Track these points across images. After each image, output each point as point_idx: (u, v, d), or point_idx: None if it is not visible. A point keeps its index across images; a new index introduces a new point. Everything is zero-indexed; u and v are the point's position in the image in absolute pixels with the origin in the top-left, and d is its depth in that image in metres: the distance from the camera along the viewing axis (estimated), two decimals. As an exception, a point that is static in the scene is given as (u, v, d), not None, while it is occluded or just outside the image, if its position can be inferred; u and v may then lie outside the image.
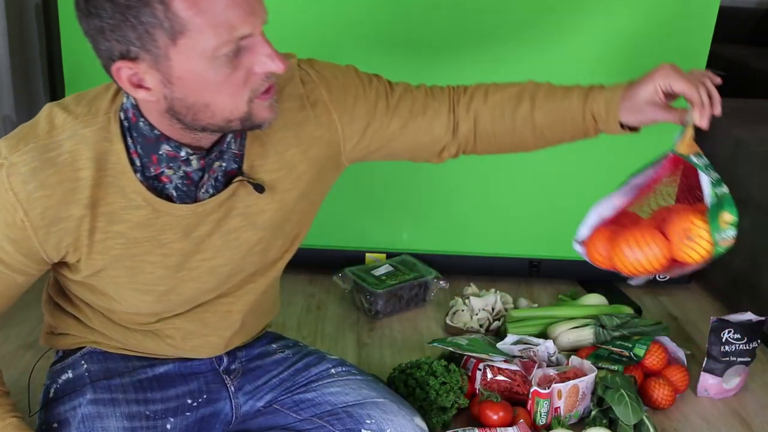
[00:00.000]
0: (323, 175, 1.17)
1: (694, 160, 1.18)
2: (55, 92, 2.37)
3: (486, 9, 1.95)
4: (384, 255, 2.19)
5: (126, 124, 1.00)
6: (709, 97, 1.11)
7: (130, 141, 1.00)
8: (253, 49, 0.91)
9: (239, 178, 1.06)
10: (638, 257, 0.95)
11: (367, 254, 2.19)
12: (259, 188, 1.07)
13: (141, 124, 0.99)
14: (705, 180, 1.17)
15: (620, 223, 1.16)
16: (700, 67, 2.04)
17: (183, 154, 1.00)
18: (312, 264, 2.23)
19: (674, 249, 1.02)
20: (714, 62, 2.37)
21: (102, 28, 0.87)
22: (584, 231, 1.15)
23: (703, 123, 1.12)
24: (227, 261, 1.12)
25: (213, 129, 0.97)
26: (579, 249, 1.17)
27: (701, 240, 1.04)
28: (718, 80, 1.11)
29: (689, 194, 1.15)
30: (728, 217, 1.11)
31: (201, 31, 0.86)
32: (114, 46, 0.88)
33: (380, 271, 2.09)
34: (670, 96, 1.14)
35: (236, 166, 1.07)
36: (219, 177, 1.06)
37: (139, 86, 0.92)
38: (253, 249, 1.13)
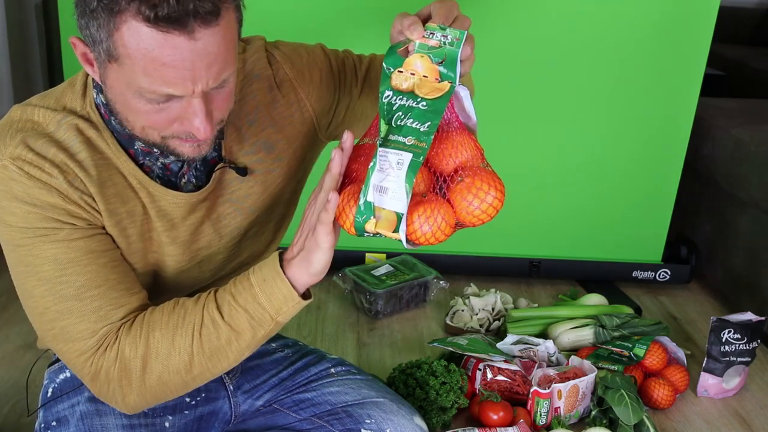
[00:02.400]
0: (303, 153, 1.17)
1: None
2: (55, 92, 2.37)
3: None
4: (384, 255, 2.20)
5: (104, 119, 1.00)
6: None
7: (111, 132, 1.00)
8: (186, 105, 0.89)
9: (221, 165, 1.06)
10: (425, 230, 0.90)
11: (367, 254, 2.19)
12: (242, 171, 1.08)
13: (113, 121, 0.99)
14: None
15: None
16: (700, 67, 2.04)
17: (156, 150, 1.00)
18: (312, 264, 2.23)
19: (459, 215, 0.94)
20: (714, 62, 2.38)
21: (77, 5, 0.88)
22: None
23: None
24: (221, 249, 1.13)
25: (140, 141, 0.96)
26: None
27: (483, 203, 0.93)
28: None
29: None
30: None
31: (131, 70, 0.85)
32: (79, 25, 0.89)
33: (380, 271, 2.09)
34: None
35: (216, 153, 1.07)
36: (198, 166, 1.05)
37: (90, 64, 0.92)
38: (245, 234, 1.14)
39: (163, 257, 1.08)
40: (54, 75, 2.39)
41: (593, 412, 1.60)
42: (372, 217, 0.90)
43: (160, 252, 1.07)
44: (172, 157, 1.02)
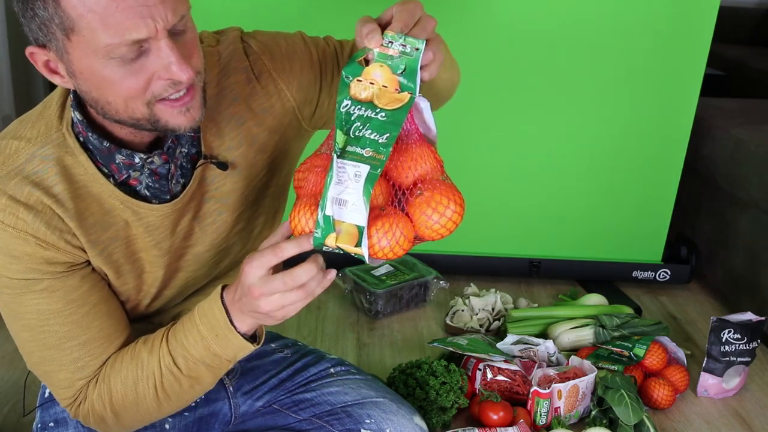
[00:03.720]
0: (287, 144, 1.15)
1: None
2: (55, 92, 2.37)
3: None
4: (384, 255, 2.19)
5: (81, 138, 0.98)
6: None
7: (90, 154, 0.98)
8: (157, 53, 0.86)
9: (201, 162, 1.04)
10: (383, 244, 0.88)
11: (367, 254, 2.19)
12: (223, 166, 1.05)
13: (90, 137, 0.96)
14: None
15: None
16: (700, 67, 2.04)
17: (137, 160, 0.98)
18: (312, 264, 2.23)
19: (418, 229, 0.92)
20: (714, 62, 2.38)
21: (19, 14, 0.88)
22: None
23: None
24: (210, 246, 1.11)
25: (128, 125, 0.93)
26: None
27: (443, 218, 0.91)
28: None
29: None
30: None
31: (91, 30, 0.83)
32: (28, 32, 0.88)
33: (380, 271, 2.09)
34: None
35: (195, 150, 1.05)
36: (184, 164, 1.04)
37: (55, 72, 0.91)
38: (232, 230, 1.12)
39: (153, 268, 1.07)
40: (54, 75, 2.39)
41: (593, 412, 1.60)
42: (332, 232, 0.87)
43: (151, 266, 1.06)
44: (155, 161, 0.99)
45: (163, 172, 1.01)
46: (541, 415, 1.56)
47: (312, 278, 0.91)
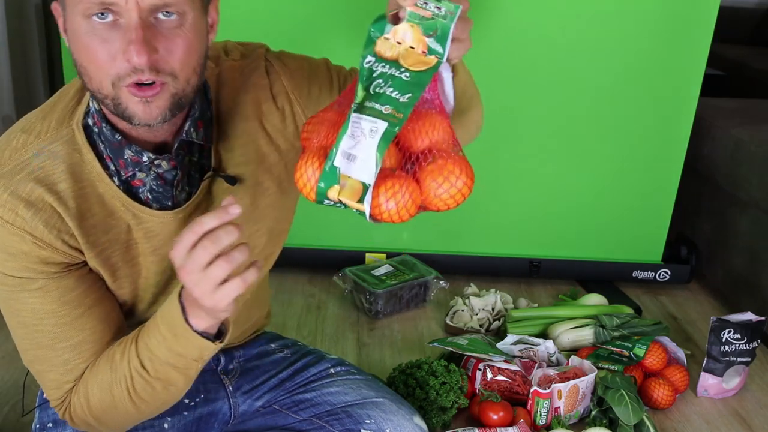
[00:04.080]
0: (292, 166, 1.12)
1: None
2: (55, 92, 2.37)
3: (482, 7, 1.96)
4: (384, 255, 2.19)
5: (96, 129, 0.98)
6: None
7: (101, 146, 0.98)
8: (124, 29, 0.85)
9: (209, 173, 1.04)
10: (390, 206, 0.85)
11: (367, 254, 2.19)
12: (231, 180, 1.05)
13: (104, 129, 0.97)
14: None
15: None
16: (700, 67, 2.04)
17: (145, 159, 0.97)
18: (312, 264, 2.23)
19: (426, 197, 0.90)
20: (714, 62, 2.38)
21: None
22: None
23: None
24: None
25: (106, 106, 0.91)
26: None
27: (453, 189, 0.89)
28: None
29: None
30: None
31: None
32: None
33: (380, 271, 2.09)
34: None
35: (205, 161, 1.04)
36: (192, 173, 1.03)
37: (65, 32, 0.91)
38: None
39: (149, 274, 1.06)
40: (54, 75, 2.39)
41: (593, 412, 1.60)
42: (336, 185, 0.85)
43: (147, 272, 1.06)
44: (163, 165, 0.98)
45: (169, 177, 1.00)
46: (541, 415, 1.56)
47: (220, 227, 0.84)
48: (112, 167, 0.98)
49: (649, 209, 2.20)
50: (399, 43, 0.88)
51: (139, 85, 0.88)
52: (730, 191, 2.17)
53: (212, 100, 1.04)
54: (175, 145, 0.99)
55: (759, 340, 1.75)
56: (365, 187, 0.85)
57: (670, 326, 1.98)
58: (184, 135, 0.99)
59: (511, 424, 1.52)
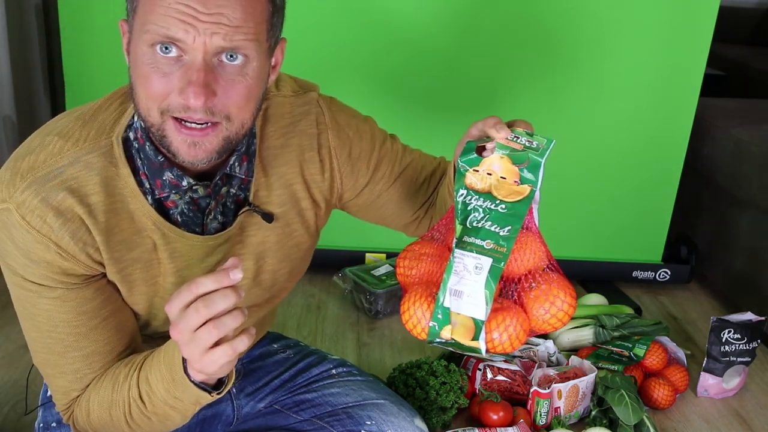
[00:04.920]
0: (321, 216, 1.15)
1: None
2: (55, 92, 2.37)
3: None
4: (384, 255, 2.19)
5: (136, 144, 0.96)
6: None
7: (138, 162, 0.96)
8: (186, 69, 0.84)
9: (246, 208, 1.02)
10: (503, 339, 0.87)
11: (367, 254, 2.19)
12: (268, 218, 1.04)
13: (147, 147, 0.95)
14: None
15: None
16: (700, 67, 2.04)
17: (185, 183, 0.95)
18: (312, 264, 2.22)
19: (534, 323, 0.92)
20: (714, 62, 2.38)
21: None
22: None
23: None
24: None
25: (151, 132, 0.91)
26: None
27: (559, 312, 0.91)
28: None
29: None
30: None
31: (143, 11, 0.84)
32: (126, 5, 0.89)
33: (380, 271, 2.09)
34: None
35: (242, 194, 1.03)
36: (228, 203, 1.02)
37: (128, 51, 0.90)
38: (253, 280, 1.10)
39: (166, 294, 1.04)
40: (54, 75, 2.39)
41: (593, 412, 1.60)
42: (448, 325, 0.86)
43: (165, 293, 1.04)
44: (200, 192, 0.97)
45: (202, 204, 0.99)
46: (541, 415, 1.56)
47: (218, 291, 0.80)
48: (147, 185, 0.96)
49: (649, 209, 2.20)
50: (489, 174, 0.89)
51: (186, 122, 0.87)
52: (730, 191, 2.17)
53: (257, 134, 1.03)
54: (217, 177, 0.97)
55: (759, 340, 1.75)
56: (477, 324, 0.85)
57: (670, 326, 1.98)
58: (227, 169, 0.98)
59: (511, 424, 1.52)
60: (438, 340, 0.87)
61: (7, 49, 2.11)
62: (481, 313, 0.85)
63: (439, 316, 0.86)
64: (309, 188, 1.10)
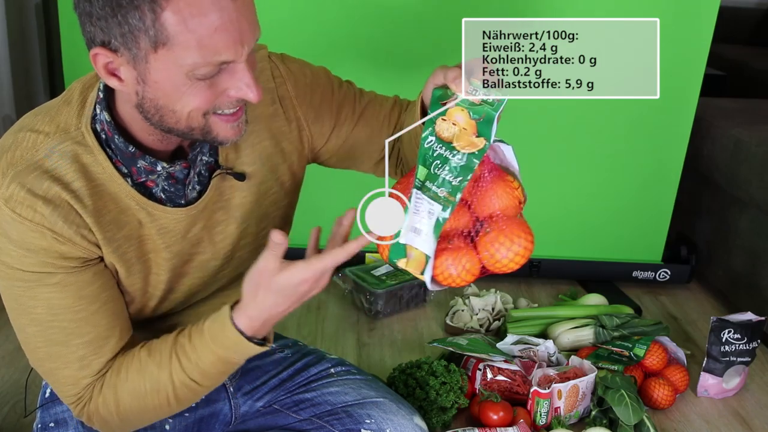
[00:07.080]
0: (295, 172, 1.17)
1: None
2: (55, 92, 2.37)
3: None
4: (384, 255, 2.19)
5: (104, 136, 0.98)
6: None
7: (110, 152, 0.99)
8: (233, 73, 0.90)
9: (218, 171, 1.06)
10: (451, 272, 0.97)
11: (367, 254, 2.19)
12: (240, 177, 1.07)
13: (116, 139, 0.97)
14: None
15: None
16: (700, 67, 2.04)
17: (159, 168, 1.00)
18: (312, 264, 2.23)
19: (488, 262, 1.00)
20: (714, 62, 2.38)
21: (90, 13, 0.86)
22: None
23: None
24: (215, 255, 1.11)
25: (177, 133, 0.95)
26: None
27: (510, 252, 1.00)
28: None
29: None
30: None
31: (184, 48, 0.85)
32: (97, 34, 0.87)
33: (380, 271, 2.09)
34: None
35: (212, 160, 1.06)
36: (202, 171, 1.05)
37: (114, 75, 0.91)
38: (238, 243, 1.13)
39: (160, 270, 1.07)
40: (54, 75, 2.39)
41: (593, 412, 1.60)
42: (403, 258, 0.95)
43: (158, 269, 1.07)
44: (177, 165, 1.01)
45: (180, 176, 1.02)
46: (541, 415, 1.56)
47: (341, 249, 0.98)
48: (125, 170, 1.00)
49: (649, 209, 2.20)
50: (454, 124, 0.95)
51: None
52: (730, 191, 2.17)
53: None
54: (196, 150, 1.02)
55: (759, 340, 1.75)
56: (426, 260, 0.95)
57: (670, 326, 1.98)
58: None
59: (511, 424, 1.52)
60: (397, 266, 0.97)
61: (7, 49, 2.11)
62: (430, 250, 0.94)
63: (397, 250, 0.96)
64: (278, 142, 1.12)
